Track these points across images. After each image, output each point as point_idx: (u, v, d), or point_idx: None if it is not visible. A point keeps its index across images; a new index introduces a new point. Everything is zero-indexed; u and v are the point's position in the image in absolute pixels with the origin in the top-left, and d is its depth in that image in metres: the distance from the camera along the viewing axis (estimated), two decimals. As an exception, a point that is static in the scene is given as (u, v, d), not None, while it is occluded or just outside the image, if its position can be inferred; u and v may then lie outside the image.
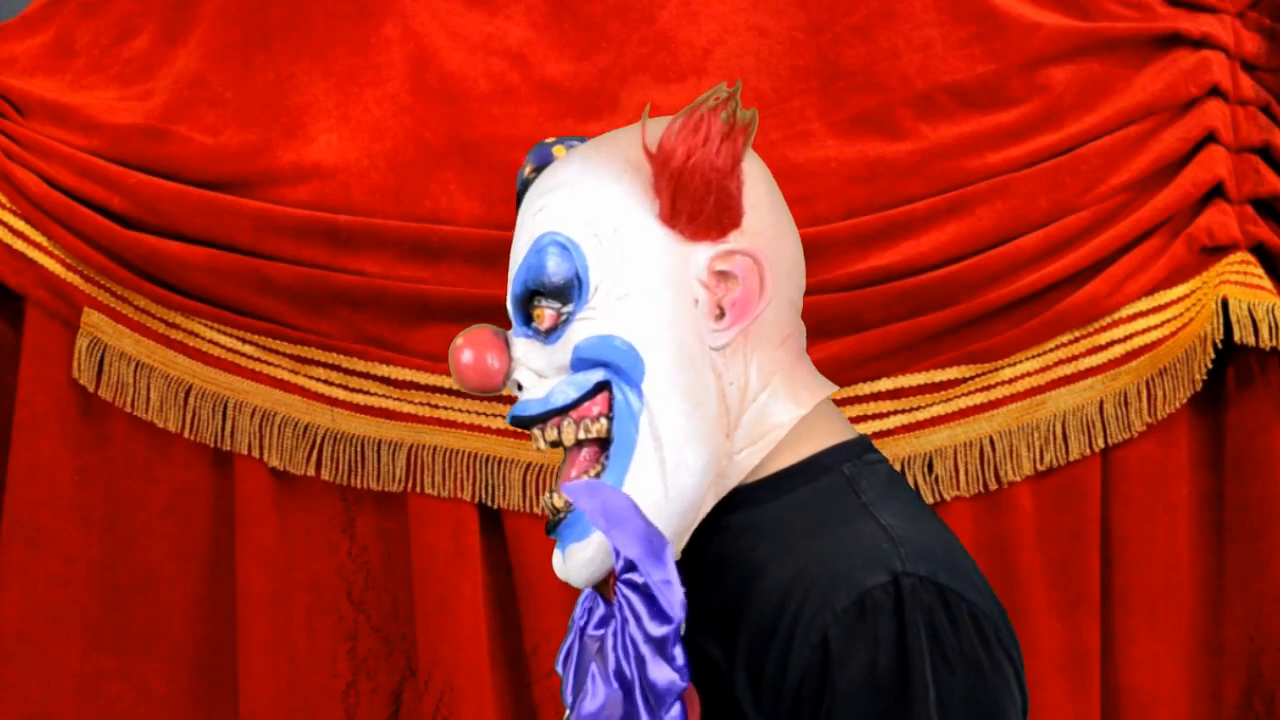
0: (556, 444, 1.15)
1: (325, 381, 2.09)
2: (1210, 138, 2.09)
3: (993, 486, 2.07)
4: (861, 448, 1.18)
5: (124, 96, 2.15)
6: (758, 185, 1.16)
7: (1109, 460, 2.10)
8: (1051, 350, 2.07)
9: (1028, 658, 2.13)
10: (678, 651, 1.02)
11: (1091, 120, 2.07)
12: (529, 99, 2.08)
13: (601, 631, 1.12)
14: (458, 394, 2.05)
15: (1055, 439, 2.07)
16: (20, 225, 2.14)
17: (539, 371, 1.15)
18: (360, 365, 2.07)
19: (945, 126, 2.07)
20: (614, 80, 2.09)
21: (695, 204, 1.12)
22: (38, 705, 2.12)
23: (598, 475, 1.13)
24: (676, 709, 1.03)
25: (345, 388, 2.08)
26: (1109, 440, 2.08)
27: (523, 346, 1.16)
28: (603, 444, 1.14)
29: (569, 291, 1.13)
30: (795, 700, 1.04)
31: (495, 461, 2.06)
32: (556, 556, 1.16)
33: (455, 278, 2.05)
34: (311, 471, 2.09)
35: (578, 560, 1.13)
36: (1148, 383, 2.08)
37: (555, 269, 1.13)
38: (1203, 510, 2.14)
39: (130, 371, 2.11)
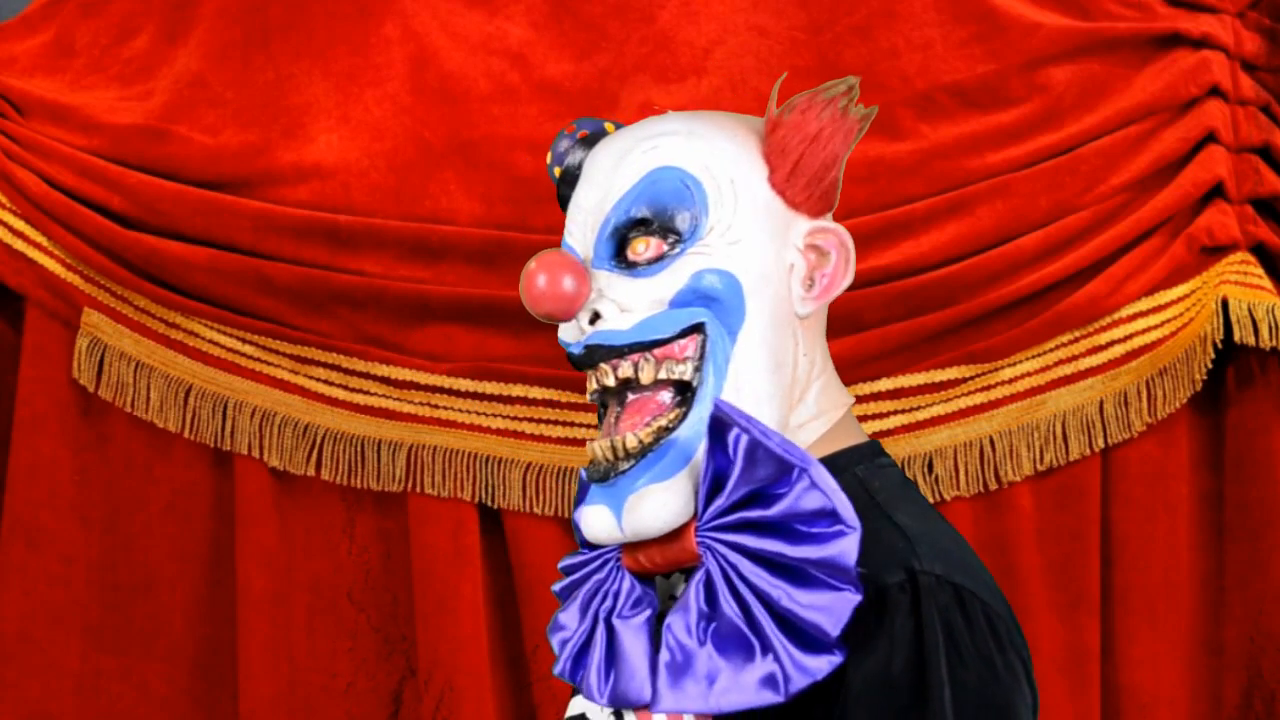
0: (624, 385, 1.12)
1: (325, 381, 2.09)
2: (1210, 138, 2.09)
3: (993, 486, 2.07)
4: (873, 451, 1.19)
5: (124, 96, 2.15)
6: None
7: (1109, 460, 2.09)
8: (1051, 350, 2.07)
9: (1028, 658, 2.13)
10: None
11: (1091, 120, 2.07)
12: (529, 99, 2.08)
13: (638, 612, 1.10)
14: (458, 394, 2.05)
15: (1055, 439, 2.07)
16: (20, 225, 2.14)
17: (623, 304, 1.12)
18: (360, 365, 2.07)
19: (945, 126, 2.07)
20: (614, 80, 2.09)
21: (814, 177, 1.15)
22: (38, 705, 2.12)
23: (677, 420, 1.11)
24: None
25: (345, 388, 2.08)
26: (1109, 440, 2.07)
27: (605, 278, 1.14)
28: (679, 388, 1.12)
29: (685, 225, 1.13)
30: (814, 694, 1.04)
31: (495, 461, 2.06)
32: (601, 511, 1.10)
33: (455, 278, 2.05)
34: (311, 471, 2.09)
35: (654, 504, 1.08)
36: (1148, 383, 2.08)
37: (675, 200, 1.13)
38: (1203, 510, 2.14)
39: (130, 371, 2.11)
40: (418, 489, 2.06)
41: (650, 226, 1.12)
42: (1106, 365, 2.07)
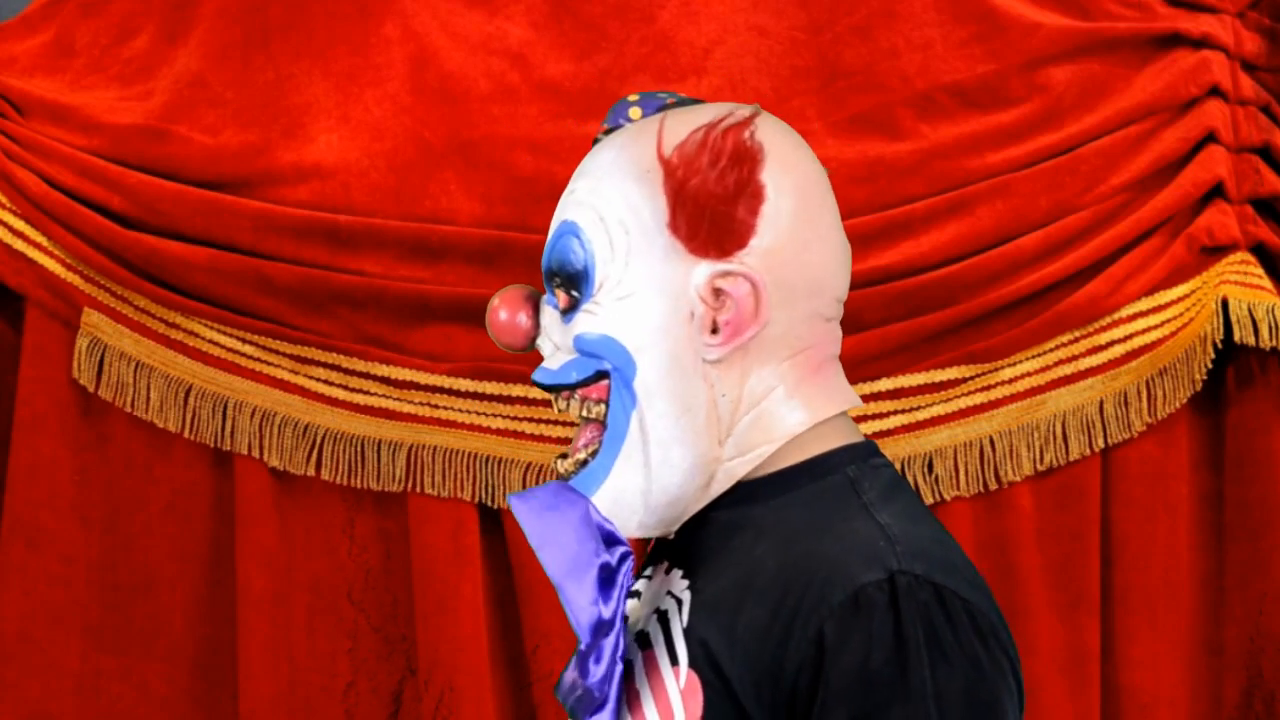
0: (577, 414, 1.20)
1: (325, 381, 2.09)
2: (1210, 138, 2.09)
3: (993, 486, 2.07)
4: (868, 451, 1.19)
5: (124, 96, 2.15)
6: (784, 200, 1.14)
7: (1109, 460, 2.10)
8: (1051, 350, 2.07)
9: (1027, 658, 2.13)
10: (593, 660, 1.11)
11: (1091, 120, 2.07)
12: (529, 99, 2.08)
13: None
14: (457, 394, 2.06)
15: (1055, 439, 2.07)
16: (20, 225, 2.14)
17: (556, 344, 1.19)
18: (360, 365, 2.07)
19: (945, 126, 2.07)
20: (614, 80, 2.09)
21: (692, 224, 1.12)
22: (38, 705, 2.12)
23: (594, 452, 1.17)
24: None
25: (345, 388, 2.08)
26: (1109, 440, 2.08)
27: (549, 316, 1.20)
28: (603, 425, 1.17)
29: (579, 282, 1.16)
30: (792, 693, 1.05)
31: (495, 461, 2.06)
32: None
33: (455, 278, 2.05)
34: (311, 471, 2.09)
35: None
36: (1148, 383, 2.08)
37: (569, 258, 1.16)
38: (1203, 510, 2.14)
39: (130, 371, 2.11)
40: (418, 489, 2.06)
41: (559, 280, 1.17)
42: (1106, 365, 2.07)
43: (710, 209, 1.12)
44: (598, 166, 1.17)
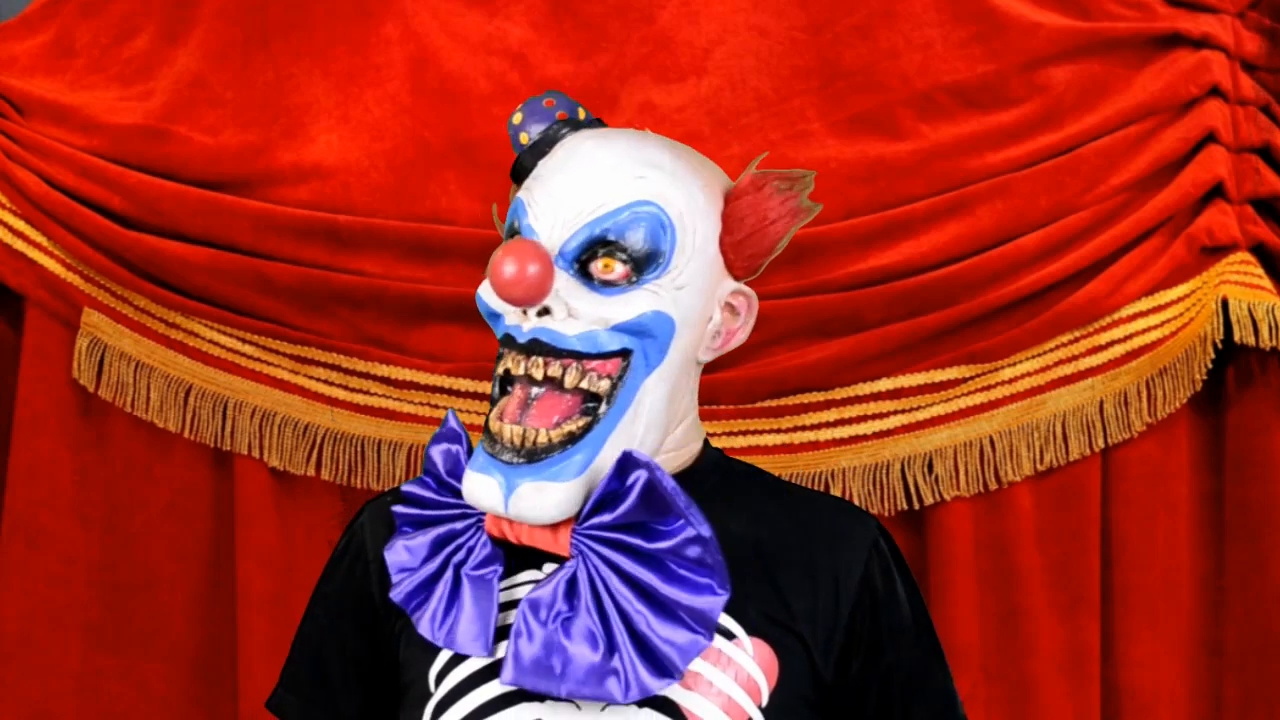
0: (544, 381, 1.22)
1: (325, 381, 2.09)
2: (1210, 138, 2.09)
3: (993, 486, 2.06)
4: (714, 448, 1.38)
5: (124, 96, 2.15)
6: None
7: (1109, 460, 2.09)
8: (1051, 350, 2.07)
9: (1028, 658, 2.15)
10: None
11: (1091, 120, 2.07)
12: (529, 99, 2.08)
13: (486, 571, 1.21)
14: (457, 394, 2.05)
15: (1055, 439, 2.07)
16: (20, 225, 2.14)
17: (571, 310, 1.22)
18: (360, 365, 2.07)
19: (945, 126, 2.07)
20: (614, 80, 2.09)
21: (757, 252, 1.30)
22: (38, 705, 2.12)
23: (583, 430, 1.21)
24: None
25: (345, 388, 2.08)
26: (1109, 440, 2.07)
27: (564, 279, 1.22)
28: (589, 398, 1.22)
29: (649, 262, 1.23)
30: (849, 632, 1.25)
31: (495, 461, 2.05)
32: (490, 482, 1.20)
33: (455, 278, 2.05)
34: (311, 471, 2.09)
35: (546, 499, 1.20)
36: (1148, 383, 2.08)
37: (650, 238, 1.23)
38: (1203, 510, 2.14)
39: (130, 371, 2.11)
40: (418, 489, 2.06)
41: (621, 253, 1.22)
42: (1106, 365, 2.07)
43: (753, 246, 1.29)
44: (664, 162, 1.27)
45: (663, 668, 1.16)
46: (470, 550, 1.23)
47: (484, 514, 1.25)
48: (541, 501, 1.19)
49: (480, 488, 1.22)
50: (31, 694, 2.12)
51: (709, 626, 1.17)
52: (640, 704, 1.19)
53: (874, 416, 2.05)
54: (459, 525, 1.25)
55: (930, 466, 2.05)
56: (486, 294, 1.26)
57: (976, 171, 2.05)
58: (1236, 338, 2.05)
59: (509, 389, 1.25)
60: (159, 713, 2.14)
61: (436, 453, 1.29)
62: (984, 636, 2.06)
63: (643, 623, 1.16)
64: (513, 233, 1.26)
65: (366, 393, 2.08)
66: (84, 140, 2.11)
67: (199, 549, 2.14)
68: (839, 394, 2.04)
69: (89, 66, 2.19)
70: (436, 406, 2.06)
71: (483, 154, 2.06)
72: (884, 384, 2.05)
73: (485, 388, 2.05)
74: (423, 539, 1.25)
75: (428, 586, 1.23)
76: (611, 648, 1.16)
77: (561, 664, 1.15)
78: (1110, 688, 2.10)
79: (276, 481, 2.11)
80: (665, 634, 1.16)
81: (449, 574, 1.23)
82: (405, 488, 1.31)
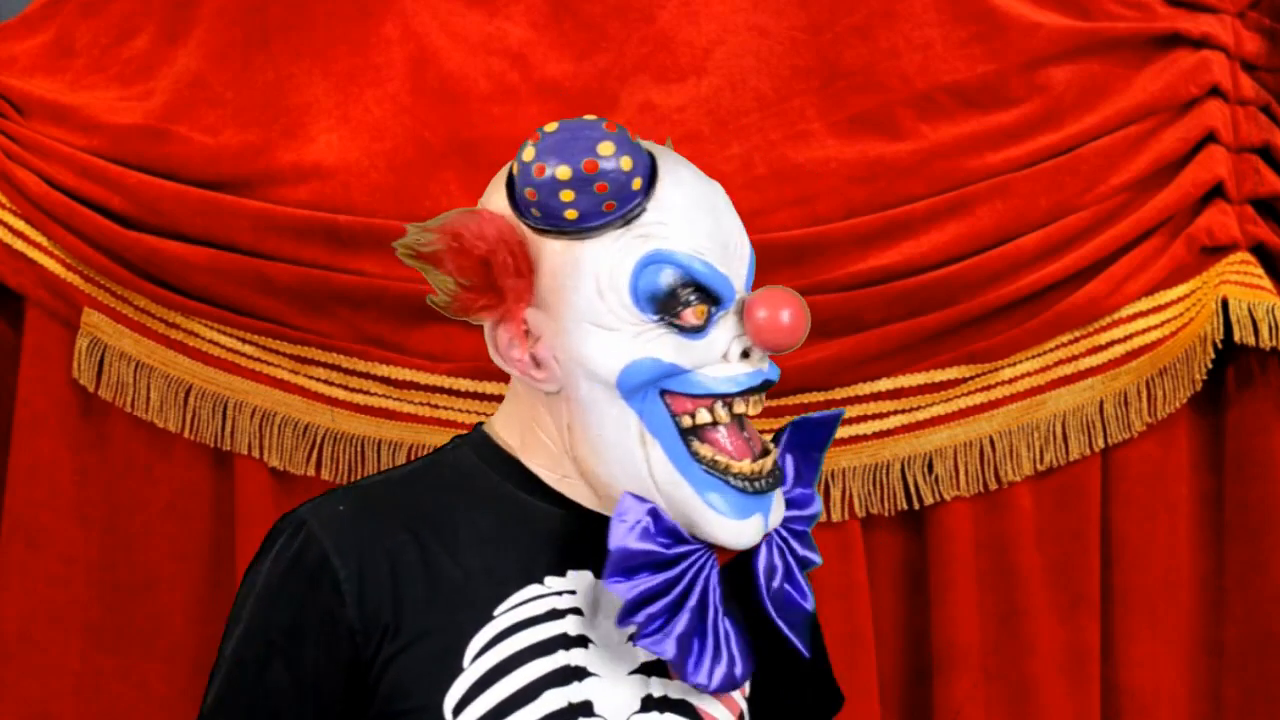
0: (741, 415, 1.19)
1: (325, 381, 2.09)
2: (1210, 138, 2.09)
3: (993, 486, 2.07)
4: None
5: (124, 96, 2.15)
6: None
7: (1109, 460, 2.10)
8: (1051, 350, 2.07)
9: (1028, 658, 2.15)
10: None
11: (1091, 120, 2.07)
12: (529, 99, 2.08)
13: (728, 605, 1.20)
14: (457, 394, 2.05)
15: (1055, 439, 2.07)
16: (20, 225, 2.14)
17: None
18: (360, 365, 2.07)
19: (945, 126, 2.07)
20: (614, 80, 2.09)
21: None
22: (38, 705, 2.12)
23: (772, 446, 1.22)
24: None
25: (345, 388, 2.08)
26: (1109, 440, 2.08)
27: None
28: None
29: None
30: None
31: (495, 461, 2.06)
32: (758, 520, 1.18)
33: (455, 278, 2.04)
34: (311, 471, 2.09)
35: (781, 510, 1.21)
36: (1148, 383, 2.08)
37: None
38: (1203, 510, 2.14)
39: (130, 371, 2.11)
40: (418, 489, 2.06)
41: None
42: (1106, 365, 2.07)
43: None
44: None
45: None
46: (717, 589, 1.19)
47: (704, 547, 1.19)
48: (780, 513, 1.21)
49: (752, 529, 1.17)
50: (31, 694, 2.12)
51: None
52: (663, 708, 1.18)
53: (874, 416, 2.05)
54: (702, 568, 1.18)
55: (930, 466, 2.05)
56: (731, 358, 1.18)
57: (976, 171, 2.05)
58: (1236, 338, 2.05)
59: (703, 432, 1.18)
60: (159, 713, 2.13)
61: (721, 524, 1.18)
62: (984, 636, 2.06)
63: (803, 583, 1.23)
64: (689, 278, 1.16)
65: (366, 393, 2.08)
66: (84, 140, 2.11)
67: (199, 549, 2.14)
68: (839, 394, 2.04)
69: (89, 66, 2.18)
70: (436, 406, 2.06)
71: (483, 154, 2.06)
72: (884, 384, 2.06)
73: (485, 388, 2.05)
74: (669, 594, 1.17)
75: (694, 636, 1.17)
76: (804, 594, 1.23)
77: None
78: (1110, 688, 2.10)
79: (276, 481, 2.10)
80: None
81: (719, 620, 1.18)
82: (642, 545, 1.18)
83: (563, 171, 1.15)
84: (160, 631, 2.13)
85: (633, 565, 1.14)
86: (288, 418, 2.09)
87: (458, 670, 1.14)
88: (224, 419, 2.10)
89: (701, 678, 1.15)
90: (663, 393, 1.16)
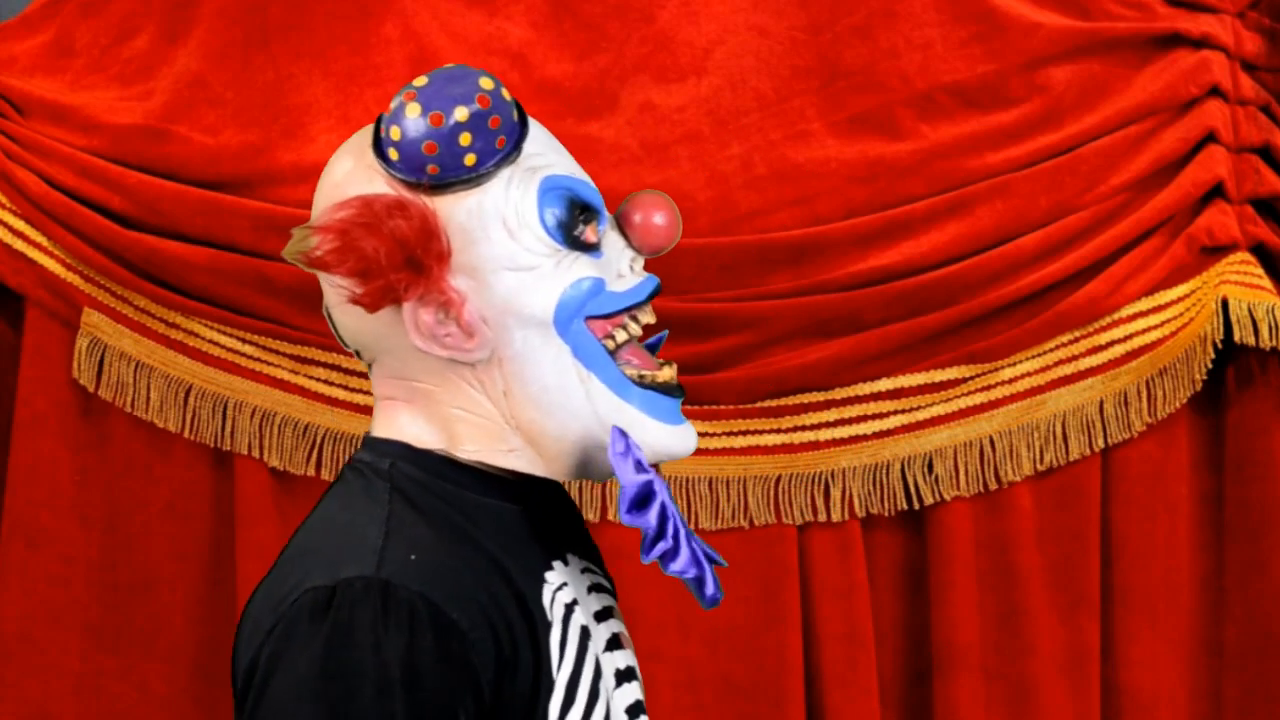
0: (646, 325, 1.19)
1: (325, 381, 2.09)
2: (1210, 138, 2.09)
3: (993, 486, 2.07)
4: None
5: (124, 96, 2.15)
6: None
7: (1109, 460, 2.10)
8: (1051, 350, 2.07)
9: (1028, 658, 2.15)
10: None
11: (1091, 120, 2.07)
12: (529, 99, 2.08)
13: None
14: (457, 394, 2.05)
15: (1055, 439, 2.07)
16: (20, 225, 2.14)
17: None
18: (360, 365, 2.07)
19: (945, 126, 2.07)
20: (614, 80, 2.09)
21: None
22: (38, 705, 2.12)
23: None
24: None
25: (345, 388, 2.08)
26: (1109, 440, 2.08)
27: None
28: None
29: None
30: None
31: (495, 461, 2.06)
32: (687, 425, 1.18)
33: (455, 277, 2.05)
34: (311, 471, 2.09)
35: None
36: (1148, 383, 2.08)
37: None
38: (1203, 510, 2.14)
39: (130, 371, 2.11)
40: (418, 489, 2.06)
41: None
42: (1106, 365, 2.07)
43: None
44: None
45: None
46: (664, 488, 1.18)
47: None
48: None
49: (691, 437, 1.18)
50: (31, 694, 2.12)
51: None
52: (630, 678, 1.19)
53: (874, 416, 2.05)
54: (666, 490, 1.18)
55: (930, 466, 2.05)
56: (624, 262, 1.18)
57: (976, 171, 2.05)
58: (1236, 338, 2.05)
59: (628, 349, 1.18)
60: (159, 713, 2.14)
61: (664, 432, 1.17)
62: (984, 636, 2.06)
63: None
64: (576, 198, 1.16)
65: (366, 393, 2.08)
66: (84, 140, 2.11)
67: (199, 549, 2.14)
68: (839, 394, 2.04)
69: (89, 66, 2.18)
70: (436, 406, 2.06)
71: (482, 154, 2.06)
72: (884, 384, 2.06)
73: (485, 388, 2.05)
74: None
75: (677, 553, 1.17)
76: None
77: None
78: (1110, 688, 2.10)
79: (276, 481, 2.10)
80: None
81: (691, 540, 1.18)
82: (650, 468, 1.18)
83: (460, 113, 1.16)
84: (160, 631, 2.13)
85: (643, 497, 1.13)
86: (288, 418, 2.09)
87: (551, 683, 1.10)
88: (224, 419, 2.10)
89: (711, 588, 1.15)
90: (586, 320, 1.15)
